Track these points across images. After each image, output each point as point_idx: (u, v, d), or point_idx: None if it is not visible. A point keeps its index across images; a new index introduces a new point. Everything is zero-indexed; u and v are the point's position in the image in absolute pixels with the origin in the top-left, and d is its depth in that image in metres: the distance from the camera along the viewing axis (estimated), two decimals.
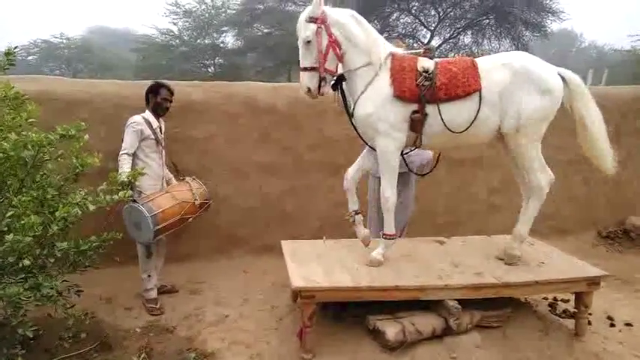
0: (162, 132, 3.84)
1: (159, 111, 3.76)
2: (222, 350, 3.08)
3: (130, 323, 3.46)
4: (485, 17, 17.52)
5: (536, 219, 3.26)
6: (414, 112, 3.02)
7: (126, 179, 3.04)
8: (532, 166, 3.14)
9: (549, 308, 3.54)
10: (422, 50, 3.45)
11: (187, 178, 3.91)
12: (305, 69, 2.97)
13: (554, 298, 3.68)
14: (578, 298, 3.20)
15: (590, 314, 3.30)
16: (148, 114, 3.72)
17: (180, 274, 4.25)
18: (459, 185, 5.25)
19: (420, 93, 2.97)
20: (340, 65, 3.09)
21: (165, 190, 3.67)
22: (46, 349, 2.91)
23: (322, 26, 2.94)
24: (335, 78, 3.11)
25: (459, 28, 18.33)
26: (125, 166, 3.48)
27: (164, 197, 3.56)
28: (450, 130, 3.02)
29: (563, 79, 3.11)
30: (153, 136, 3.66)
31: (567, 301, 3.59)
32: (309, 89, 2.97)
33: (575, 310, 3.24)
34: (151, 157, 3.69)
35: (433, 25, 18.31)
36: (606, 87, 6.27)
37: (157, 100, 3.72)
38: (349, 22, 3.04)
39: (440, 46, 18.35)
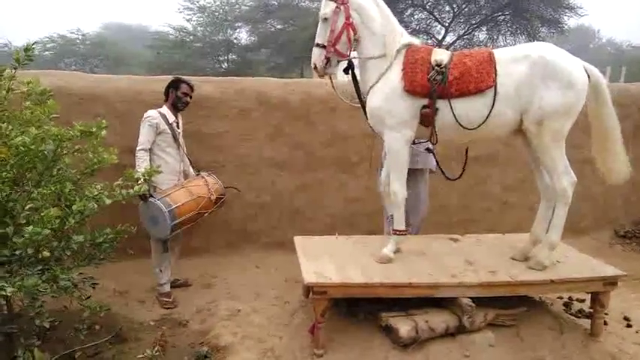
0: (180, 127, 3.86)
1: (179, 105, 3.79)
2: (234, 344, 3.09)
3: (143, 316, 3.50)
4: (500, 13, 17.34)
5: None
6: (424, 106, 2.94)
7: (142, 177, 3.06)
8: (556, 168, 2.97)
9: (564, 308, 3.50)
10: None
11: (203, 173, 3.92)
12: (317, 45, 3.00)
13: (570, 298, 3.63)
14: (594, 298, 3.15)
15: (606, 314, 3.25)
16: (164, 109, 3.74)
17: (192, 268, 4.28)
18: (472, 182, 5.21)
19: (430, 88, 2.88)
20: (354, 51, 3.05)
21: (182, 185, 3.68)
22: (62, 340, 2.96)
23: (341, 7, 2.94)
24: (347, 63, 3.10)
25: (474, 24, 18.16)
26: (143, 163, 3.50)
27: (180, 192, 3.58)
28: (462, 127, 2.93)
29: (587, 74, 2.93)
30: (169, 131, 3.68)
31: (583, 300, 3.55)
32: (315, 66, 3.02)
33: (591, 310, 3.19)
34: (167, 151, 3.71)
35: (448, 21, 18.17)
36: (625, 84, 6.16)
37: (178, 94, 3.76)
38: (370, 6, 3.01)
39: (454, 42, 18.21)
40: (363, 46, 3.04)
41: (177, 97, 3.76)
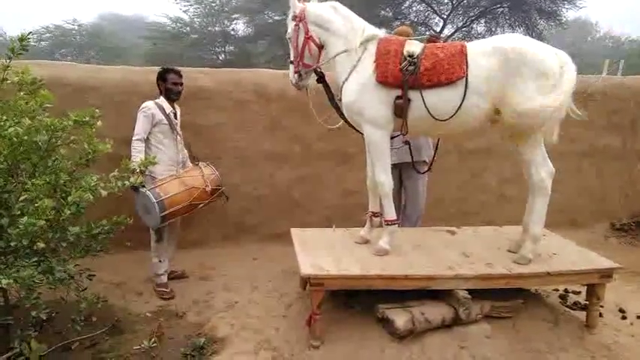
0: (178, 117, 3.85)
1: (172, 96, 3.77)
2: (231, 336, 3.10)
3: (140, 308, 3.50)
4: (499, 5, 17.27)
5: (548, 210, 3.14)
6: (398, 97, 2.95)
7: (137, 168, 3.06)
8: (533, 159, 2.96)
9: (560, 300, 3.52)
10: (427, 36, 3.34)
11: (201, 164, 3.89)
12: (291, 62, 3.24)
13: (565, 290, 3.65)
14: (589, 290, 3.16)
15: (601, 306, 3.27)
16: (161, 99, 3.73)
17: (189, 260, 4.28)
18: (469, 175, 5.22)
19: (402, 78, 2.90)
20: (321, 58, 3.19)
21: (177, 176, 3.67)
22: (59, 332, 2.97)
23: (300, 24, 3.13)
24: (318, 73, 3.27)
25: (472, 17, 18.11)
26: (138, 154, 3.49)
27: (173, 183, 3.57)
28: (434, 118, 2.93)
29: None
30: (166, 121, 3.67)
31: (579, 293, 3.56)
32: (292, 81, 3.26)
33: (587, 302, 3.21)
34: (164, 143, 3.70)
35: (446, 13, 18.09)
36: (622, 77, 6.16)
37: (167, 85, 3.73)
38: (326, 12, 3.13)
39: (452, 34, 18.14)
40: (329, 48, 3.14)
41: (167, 88, 3.74)
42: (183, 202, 3.57)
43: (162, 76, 3.76)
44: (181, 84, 3.81)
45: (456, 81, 2.86)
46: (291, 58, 3.22)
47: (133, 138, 3.58)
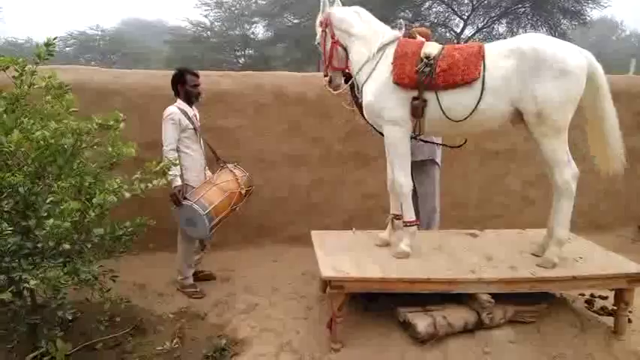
0: (198, 119, 3.81)
1: (192, 98, 3.71)
2: (252, 338, 3.11)
3: (162, 309, 3.54)
4: (520, 5, 16.99)
5: (573, 214, 3.08)
6: (414, 98, 2.97)
7: (177, 178, 3.42)
8: (556, 159, 2.91)
9: (586, 305, 3.43)
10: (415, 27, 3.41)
11: (229, 166, 3.84)
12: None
13: (592, 295, 3.56)
14: (617, 295, 3.08)
15: (630, 312, 3.18)
16: (181, 103, 3.65)
17: (210, 262, 4.30)
18: (492, 177, 5.14)
19: (418, 79, 2.92)
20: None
21: (212, 183, 3.61)
22: (83, 332, 3.02)
23: (326, 29, 3.24)
24: (345, 73, 3.36)
25: (493, 17, 17.85)
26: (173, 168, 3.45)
27: (213, 191, 3.54)
28: (449, 119, 2.94)
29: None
30: (191, 126, 3.61)
31: (606, 297, 3.47)
32: (324, 85, 3.37)
33: (614, 308, 3.13)
34: (192, 147, 3.66)
35: (466, 13, 17.89)
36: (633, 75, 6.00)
37: (187, 88, 3.65)
38: (349, 16, 3.21)
39: (473, 35, 17.94)
40: (352, 50, 3.22)
41: (187, 91, 3.66)
42: (226, 210, 3.57)
43: (180, 79, 3.66)
44: (200, 85, 3.74)
45: (471, 82, 2.86)
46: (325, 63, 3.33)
47: (166, 148, 3.49)
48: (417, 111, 2.98)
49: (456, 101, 2.91)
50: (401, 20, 3.36)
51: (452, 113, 2.92)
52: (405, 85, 2.96)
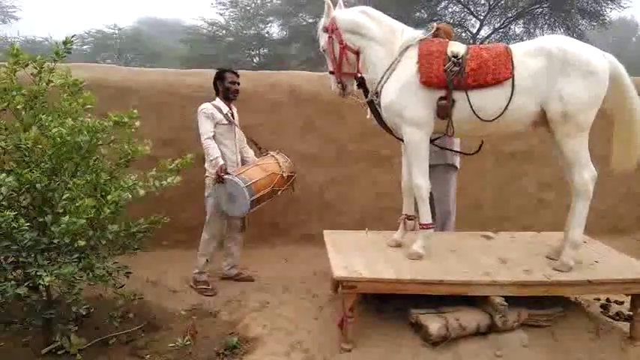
0: (236, 117, 3.91)
1: (229, 95, 3.85)
2: (263, 336, 3.11)
3: (175, 305, 3.56)
4: (538, 5, 16.76)
5: (590, 217, 3.04)
6: (441, 98, 2.91)
7: (218, 160, 3.53)
8: (577, 160, 2.88)
9: (602, 309, 3.37)
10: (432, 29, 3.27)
11: (272, 152, 3.93)
12: (331, 72, 3.23)
13: (607, 299, 3.50)
14: (634, 300, 3.02)
15: None
16: (217, 101, 3.82)
17: (223, 260, 4.32)
18: (508, 179, 5.09)
19: (447, 79, 2.86)
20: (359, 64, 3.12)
21: (254, 163, 3.74)
22: (97, 327, 3.05)
23: (333, 35, 3.09)
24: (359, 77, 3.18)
25: (510, 18, 17.63)
26: (213, 150, 3.63)
27: (255, 169, 3.65)
28: (479, 119, 2.89)
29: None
30: (225, 121, 3.75)
31: (622, 302, 3.41)
32: (335, 92, 3.26)
33: (631, 313, 3.07)
34: (224, 143, 3.78)
35: (483, 14, 17.70)
36: None
37: (225, 85, 3.82)
38: (359, 18, 3.08)
39: (489, 35, 17.75)
40: (368, 53, 3.08)
41: (225, 88, 3.82)
42: (267, 188, 3.62)
43: (219, 76, 3.85)
44: (239, 83, 3.90)
45: (502, 81, 2.84)
46: (330, 69, 3.22)
47: (203, 137, 3.66)
48: (445, 111, 2.93)
49: (486, 101, 2.88)
50: (434, 24, 3.26)
51: (482, 113, 2.88)
52: (433, 84, 2.89)
